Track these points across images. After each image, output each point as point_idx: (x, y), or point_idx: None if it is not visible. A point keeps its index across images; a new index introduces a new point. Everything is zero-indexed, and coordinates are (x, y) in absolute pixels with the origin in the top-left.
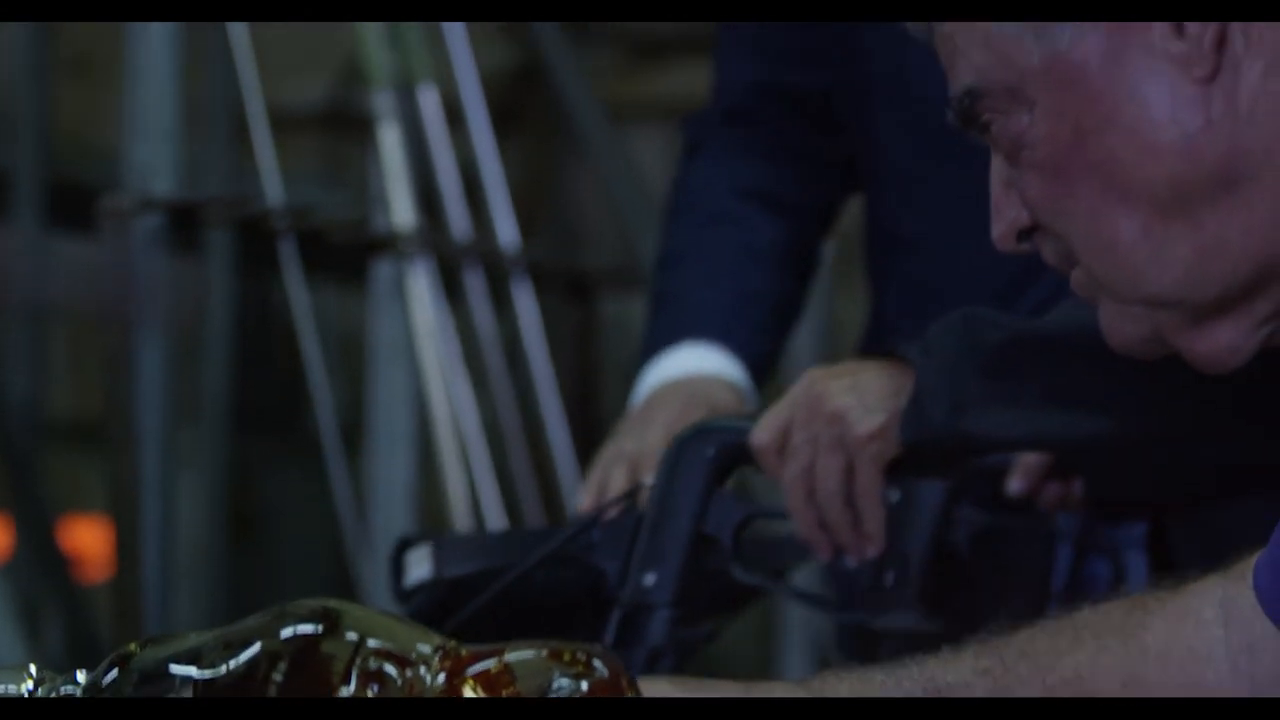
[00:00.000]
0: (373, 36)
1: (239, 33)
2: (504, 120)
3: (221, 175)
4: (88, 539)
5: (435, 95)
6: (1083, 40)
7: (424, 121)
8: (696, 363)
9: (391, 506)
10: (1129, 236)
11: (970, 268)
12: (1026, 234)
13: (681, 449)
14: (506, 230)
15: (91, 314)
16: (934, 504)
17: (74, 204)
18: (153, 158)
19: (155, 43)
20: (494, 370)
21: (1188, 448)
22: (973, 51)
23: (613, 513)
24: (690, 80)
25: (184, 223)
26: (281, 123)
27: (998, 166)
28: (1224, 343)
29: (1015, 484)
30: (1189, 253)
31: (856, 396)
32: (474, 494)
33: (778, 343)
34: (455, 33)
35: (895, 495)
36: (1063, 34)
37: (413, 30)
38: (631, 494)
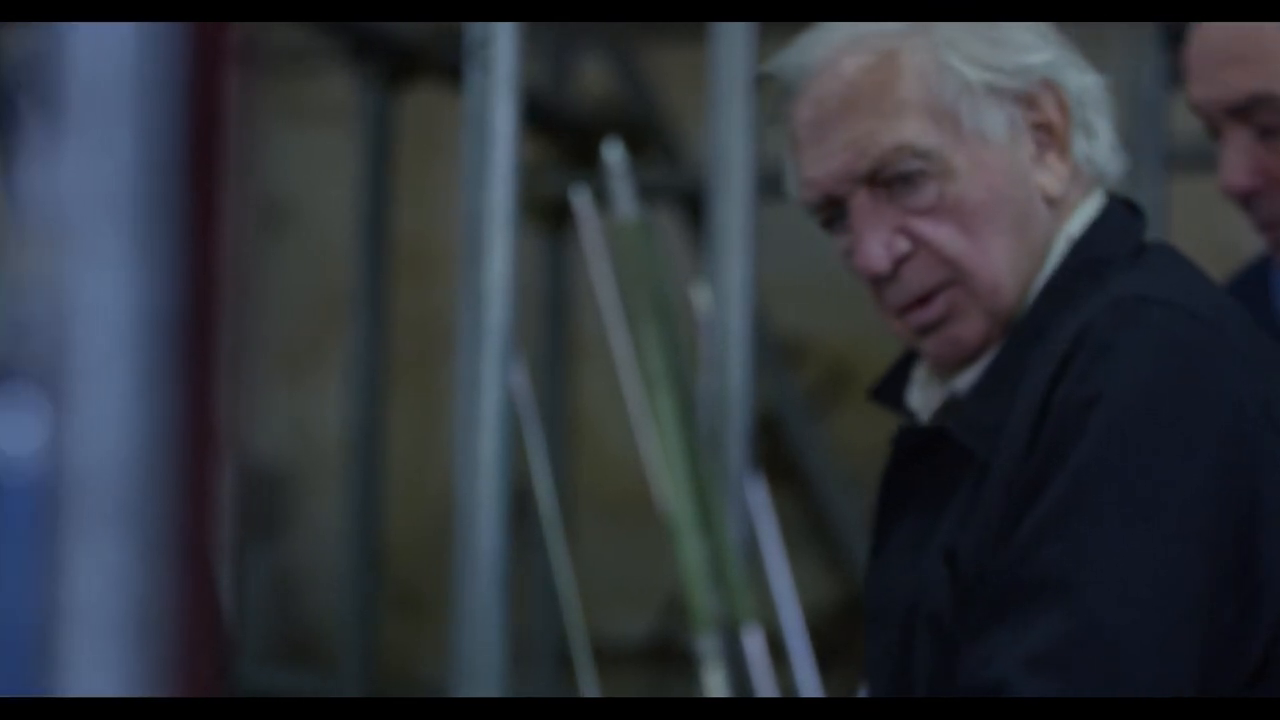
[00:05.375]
0: (698, 579)
1: (563, 565)
2: (827, 657)
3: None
4: None
5: (760, 636)
6: None
7: (749, 662)
8: None
9: None
10: None
11: None
12: None
13: None
14: None
15: None
16: None
17: None
18: (478, 695)
19: (484, 572)
20: None
21: None
22: None
23: None
24: None
25: None
26: (605, 656)
27: None
28: None
29: None
30: None
31: None
32: None
33: None
34: (779, 571)
35: None
36: None
37: (737, 571)
38: None
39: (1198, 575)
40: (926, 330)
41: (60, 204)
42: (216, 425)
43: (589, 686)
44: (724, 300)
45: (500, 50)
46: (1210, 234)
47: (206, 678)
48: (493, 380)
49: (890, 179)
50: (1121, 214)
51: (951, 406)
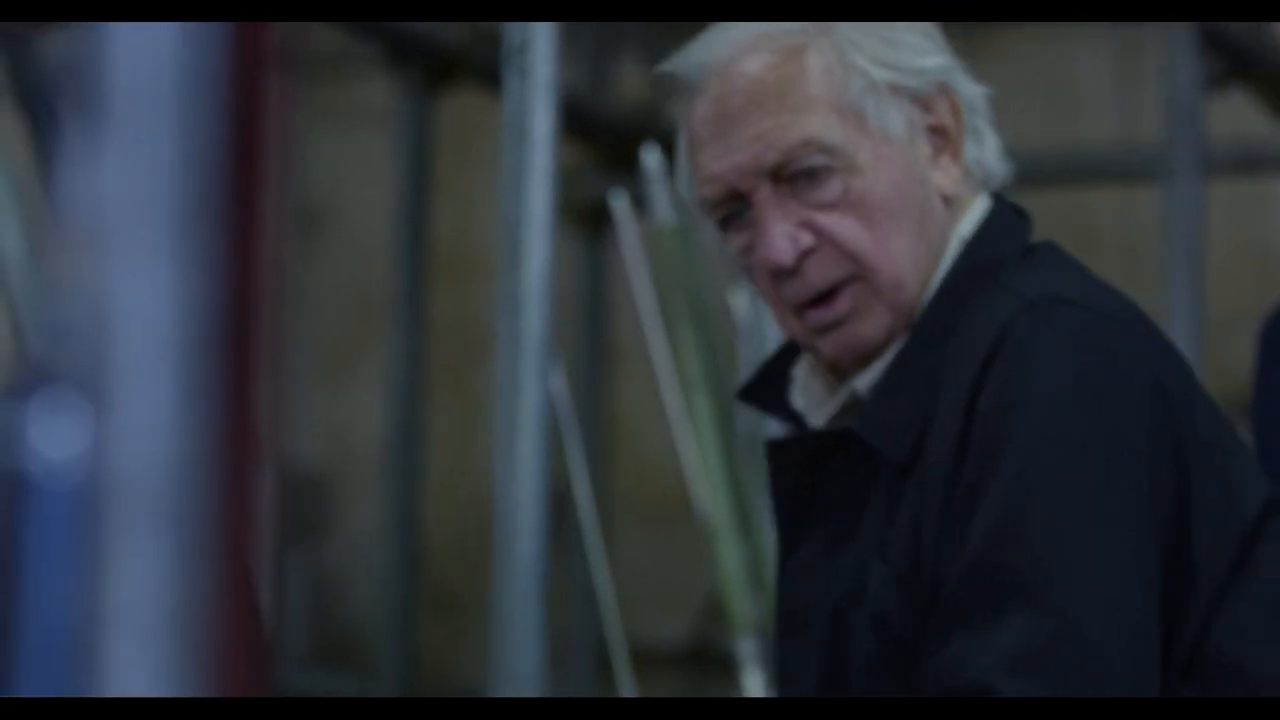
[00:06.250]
0: (736, 582)
1: (601, 568)
2: None
3: None
4: None
5: None
6: None
7: None
8: None
9: None
10: None
11: None
12: None
13: None
14: None
15: None
16: None
17: None
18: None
19: (522, 575)
20: None
21: None
22: None
23: None
24: None
25: None
26: (643, 659)
27: None
28: None
29: None
30: None
31: None
32: None
33: None
34: None
35: None
36: None
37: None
38: None
39: (1149, 565)
40: (826, 329)
41: (101, 207)
42: (256, 428)
43: (627, 689)
44: (761, 304)
45: (538, 55)
46: (1246, 236)
47: (247, 679)
48: (531, 384)
49: (795, 174)
50: (1009, 215)
51: (853, 407)
